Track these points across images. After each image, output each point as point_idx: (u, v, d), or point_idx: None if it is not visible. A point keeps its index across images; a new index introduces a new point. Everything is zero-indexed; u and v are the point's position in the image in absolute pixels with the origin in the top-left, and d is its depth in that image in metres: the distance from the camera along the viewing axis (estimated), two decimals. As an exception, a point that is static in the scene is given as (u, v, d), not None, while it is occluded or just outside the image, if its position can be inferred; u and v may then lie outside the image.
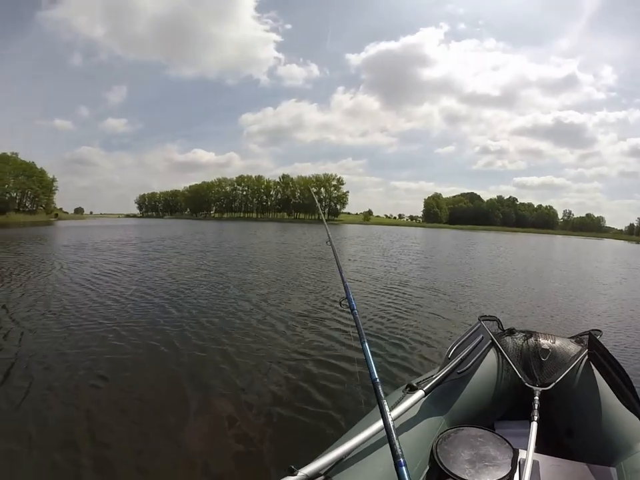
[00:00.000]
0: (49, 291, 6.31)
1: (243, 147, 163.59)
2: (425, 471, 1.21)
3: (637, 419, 1.37)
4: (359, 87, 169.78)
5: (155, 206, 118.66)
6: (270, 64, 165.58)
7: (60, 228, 33.53)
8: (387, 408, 1.03)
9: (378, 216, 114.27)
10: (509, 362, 1.74)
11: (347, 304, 1.58)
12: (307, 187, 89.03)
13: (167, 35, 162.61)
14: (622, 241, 59.64)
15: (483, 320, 2.01)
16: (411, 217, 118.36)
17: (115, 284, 7.07)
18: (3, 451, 2.17)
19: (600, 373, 1.60)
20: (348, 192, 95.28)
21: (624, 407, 1.42)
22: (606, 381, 1.55)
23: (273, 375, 3.24)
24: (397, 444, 0.92)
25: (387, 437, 0.96)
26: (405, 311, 5.63)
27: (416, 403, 1.35)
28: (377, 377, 1.15)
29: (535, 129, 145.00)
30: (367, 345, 1.30)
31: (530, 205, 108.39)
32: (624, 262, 19.01)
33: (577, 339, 1.92)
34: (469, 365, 1.59)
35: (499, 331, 2.04)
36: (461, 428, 1.35)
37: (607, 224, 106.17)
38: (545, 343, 1.80)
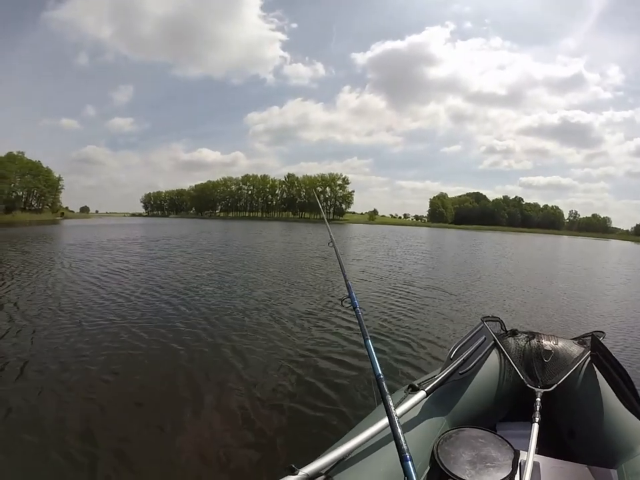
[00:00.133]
0: (59, 289, 6.39)
1: (249, 146, 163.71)
2: (426, 472, 1.22)
3: (639, 421, 1.37)
4: (365, 86, 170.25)
5: (161, 205, 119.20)
6: (276, 63, 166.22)
7: (66, 227, 33.84)
8: (390, 403, 1.04)
9: (383, 215, 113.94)
10: (511, 363, 1.74)
11: (350, 302, 1.60)
12: (312, 188, 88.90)
13: (174, 35, 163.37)
14: (628, 242, 58.96)
15: (485, 321, 2.01)
16: (417, 217, 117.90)
17: (124, 282, 7.15)
18: (21, 444, 2.22)
19: (602, 374, 1.60)
20: (353, 191, 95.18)
21: (626, 409, 1.42)
22: (608, 383, 1.55)
23: (280, 372, 3.27)
24: (402, 439, 0.93)
25: (390, 434, 0.97)
26: (410, 310, 5.65)
27: (417, 403, 1.36)
28: (380, 372, 1.16)
29: (541, 129, 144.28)
30: (370, 342, 1.31)
31: (536, 205, 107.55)
32: (629, 263, 18.86)
33: (580, 340, 1.92)
34: (470, 365, 1.60)
35: (502, 331, 2.03)
36: (462, 429, 1.35)
37: (614, 224, 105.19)
38: (547, 344, 1.79)
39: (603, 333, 1.96)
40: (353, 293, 1.63)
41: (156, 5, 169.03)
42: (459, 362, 1.57)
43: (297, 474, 0.99)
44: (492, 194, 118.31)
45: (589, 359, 1.70)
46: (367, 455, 1.16)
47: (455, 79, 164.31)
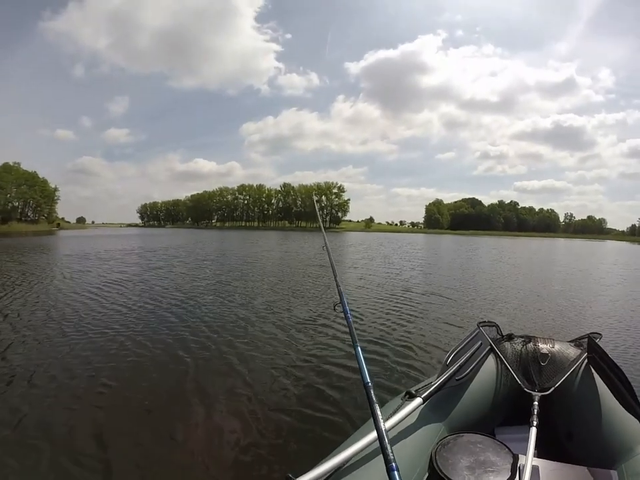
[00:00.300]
0: (61, 299, 6.36)
1: (244, 156, 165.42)
2: (424, 479, 1.21)
3: (637, 421, 1.37)
4: (359, 95, 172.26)
5: (157, 215, 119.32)
6: (270, 74, 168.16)
7: (62, 237, 33.71)
8: (378, 412, 1.02)
9: (379, 223, 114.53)
10: (507, 367, 1.73)
11: (341, 308, 1.60)
12: (309, 195, 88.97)
13: (169, 46, 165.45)
14: (624, 242, 59.37)
15: (481, 326, 2.01)
16: (413, 224, 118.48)
17: (125, 292, 7.12)
18: (33, 451, 2.22)
19: (599, 376, 1.60)
20: (349, 199, 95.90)
21: (624, 410, 1.42)
22: (605, 384, 1.55)
23: (275, 382, 3.25)
24: (388, 448, 0.91)
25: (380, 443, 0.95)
26: (408, 315, 5.65)
27: (414, 410, 1.35)
28: (369, 381, 1.13)
29: (535, 133, 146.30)
30: (359, 349, 1.30)
31: (531, 208, 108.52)
32: (625, 263, 18.93)
33: (576, 342, 1.91)
34: (467, 371, 1.59)
35: (498, 336, 2.03)
36: (460, 434, 1.35)
37: (609, 225, 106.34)
38: (543, 347, 1.79)
39: (599, 334, 1.96)
40: (345, 299, 1.63)
41: (152, 17, 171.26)
42: (455, 368, 1.57)
43: None
44: (487, 199, 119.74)
45: (586, 361, 1.70)
46: (361, 464, 1.14)
47: (447, 86, 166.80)
